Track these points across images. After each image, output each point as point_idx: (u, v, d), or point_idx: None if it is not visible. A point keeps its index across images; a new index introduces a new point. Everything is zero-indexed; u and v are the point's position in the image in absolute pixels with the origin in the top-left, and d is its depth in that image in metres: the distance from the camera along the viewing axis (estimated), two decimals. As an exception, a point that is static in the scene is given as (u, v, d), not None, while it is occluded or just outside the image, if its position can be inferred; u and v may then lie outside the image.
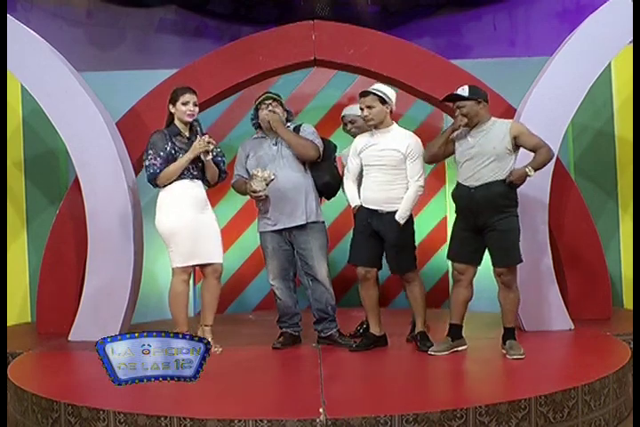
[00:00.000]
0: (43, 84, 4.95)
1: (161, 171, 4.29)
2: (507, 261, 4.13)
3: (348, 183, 4.46)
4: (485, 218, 4.09)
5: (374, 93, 4.31)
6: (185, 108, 4.34)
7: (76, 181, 5.08)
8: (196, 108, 4.40)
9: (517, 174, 4.06)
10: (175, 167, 4.29)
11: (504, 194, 4.09)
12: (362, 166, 4.40)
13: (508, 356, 4.07)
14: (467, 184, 4.14)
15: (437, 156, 4.29)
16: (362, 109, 4.34)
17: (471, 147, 4.14)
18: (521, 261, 4.19)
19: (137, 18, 10.30)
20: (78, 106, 4.94)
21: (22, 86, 5.29)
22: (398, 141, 4.31)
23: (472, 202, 4.11)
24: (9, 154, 5.90)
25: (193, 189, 4.38)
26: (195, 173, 4.38)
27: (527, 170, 4.03)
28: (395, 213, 4.26)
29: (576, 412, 3.43)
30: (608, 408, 3.62)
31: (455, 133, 4.20)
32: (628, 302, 5.88)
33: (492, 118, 4.20)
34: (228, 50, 5.41)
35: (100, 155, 4.91)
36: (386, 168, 4.30)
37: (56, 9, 9.44)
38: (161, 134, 4.36)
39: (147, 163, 4.31)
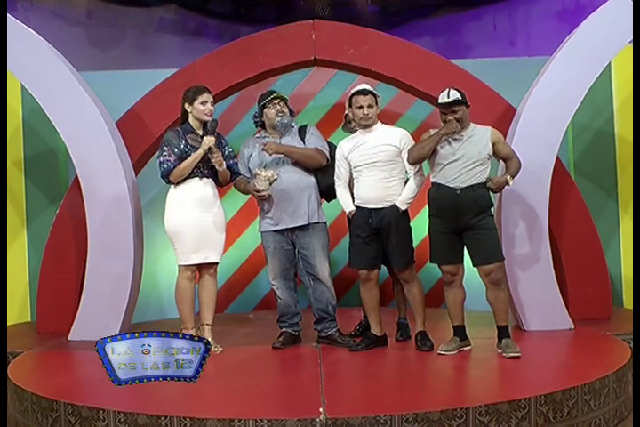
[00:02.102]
0: (43, 84, 4.95)
1: (175, 167, 4.31)
2: (494, 258, 4.18)
3: (340, 190, 4.47)
4: (468, 219, 4.14)
5: (372, 93, 4.35)
6: (204, 108, 4.38)
7: (76, 180, 5.08)
8: (213, 108, 4.44)
9: (498, 182, 4.17)
10: (187, 164, 4.32)
11: (485, 196, 4.19)
12: (350, 170, 4.41)
13: (504, 354, 4.07)
14: (452, 186, 4.16)
15: (424, 158, 4.27)
16: (360, 108, 4.34)
17: (455, 150, 4.17)
18: (504, 257, 4.28)
19: (137, 17, 10.31)
20: (78, 106, 4.94)
21: (22, 86, 5.30)
22: (389, 136, 4.33)
23: (458, 203, 4.13)
24: (9, 153, 5.91)
25: (201, 188, 4.39)
26: (205, 171, 4.40)
27: (508, 179, 4.16)
28: (392, 206, 4.28)
29: (576, 411, 3.44)
30: (608, 408, 3.62)
31: (446, 137, 4.20)
32: (627, 301, 5.89)
33: (472, 123, 4.24)
34: (227, 50, 5.41)
35: (100, 154, 4.91)
36: (381, 164, 4.30)
37: (56, 8, 9.45)
38: (175, 132, 4.39)
39: (161, 159, 4.34)
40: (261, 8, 11.00)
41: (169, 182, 4.39)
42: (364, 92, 4.34)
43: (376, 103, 4.36)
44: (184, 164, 4.32)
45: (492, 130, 4.27)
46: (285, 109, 4.56)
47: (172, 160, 4.32)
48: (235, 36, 8.26)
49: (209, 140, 4.30)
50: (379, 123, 4.43)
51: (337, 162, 4.47)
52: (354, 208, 4.40)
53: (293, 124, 4.64)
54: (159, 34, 10.54)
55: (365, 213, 4.34)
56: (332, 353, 4.34)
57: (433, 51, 5.50)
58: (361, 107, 4.33)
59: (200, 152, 4.31)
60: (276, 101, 4.54)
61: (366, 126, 4.38)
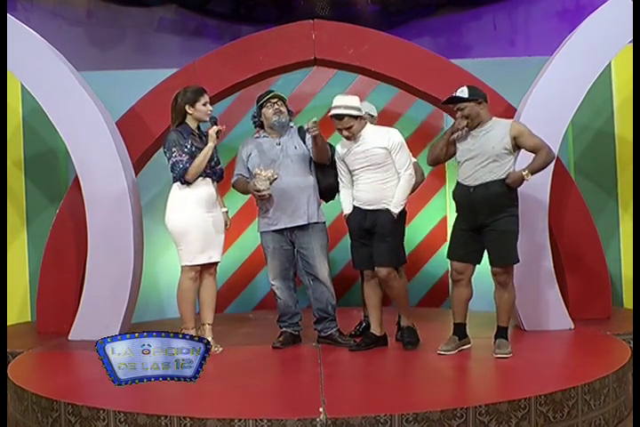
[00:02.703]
0: (43, 83, 4.95)
1: (190, 165, 4.29)
2: (503, 260, 4.14)
3: (342, 191, 4.46)
4: (484, 217, 4.10)
5: (348, 115, 4.23)
6: (206, 109, 4.38)
7: (76, 180, 5.08)
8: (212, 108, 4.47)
9: (513, 178, 4.07)
10: (201, 159, 4.30)
11: (503, 194, 4.09)
12: (349, 171, 4.40)
13: (494, 354, 4.08)
14: (466, 184, 4.15)
15: (439, 158, 4.30)
16: (340, 130, 4.30)
17: (471, 146, 4.15)
18: (517, 261, 4.20)
19: (137, 17, 10.32)
20: (78, 106, 4.94)
21: (22, 86, 5.30)
22: (378, 138, 4.30)
23: (471, 201, 4.12)
24: (9, 153, 5.90)
25: (205, 188, 4.39)
26: (207, 171, 4.40)
27: (524, 174, 4.04)
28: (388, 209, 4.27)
29: (576, 411, 3.44)
30: (608, 408, 3.62)
31: (456, 135, 4.20)
32: (627, 301, 5.88)
33: (494, 118, 4.20)
34: (227, 49, 5.41)
35: (100, 154, 4.91)
36: (374, 167, 4.29)
37: (56, 8, 9.45)
38: (178, 133, 4.35)
39: (173, 160, 4.30)
40: (261, 8, 11.00)
41: (185, 182, 4.33)
42: (337, 117, 4.24)
43: (357, 118, 4.26)
44: (198, 160, 4.29)
45: (513, 123, 4.18)
46: (283, 109, 4.55)
47: (184, 160, 4.29)
48: (235, 36, 8.25)
49: (215, 130, 4.32)
50: (367, 126, 4.38)
51: (337, 164, 4.46)
52: (349, 211, 4.39)
53: (292, 125, 4.65)
54: (159, 34, 10.54)
55: (361, 214, 4.33)
56: (331, 353, 4.34)
57: (433, 51, 5.49)
58: (340, 130, 4.30)
59: (211, 145, 4.31)
60: (274, 101, 4.54)
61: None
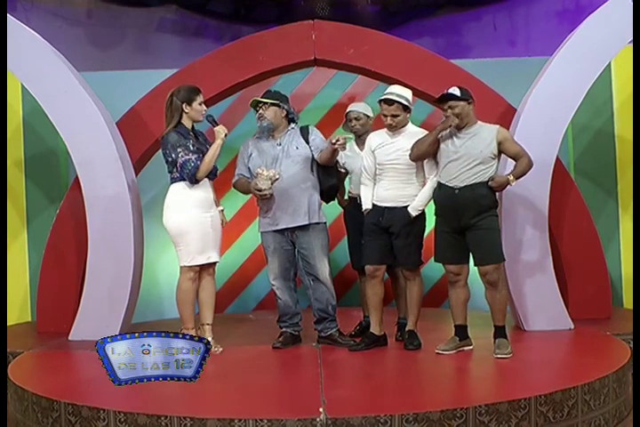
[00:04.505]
0: (43, 83, 4.95)
1: (201, 162, 4.28)
2: (492, 259, 4.16)
3: (365, 184, 4.44)
4: (468, 218, 4.12)
5: (399, 102, 4.27)
6: (201, 108, 4.38)
7: (77, 180, 5.09)
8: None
9: (499, 182, 4.12)
10: (210, 157, 4.29)
11: (487, 195, 4.14)
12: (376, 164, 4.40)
13: (494, 354, 4.08)
14: (451, 185, 4.16)
15: (425, 154, 4.27)
16: (385, 116, 4.30)
17: (457, 148, 4.16)
18: (504, 259, 4.24)
19: (137, 17, 10.31)
20: (78, 106, 4.94)
21: (22, 86, 5.30)
22: (414, 141, 4.29)
23: (456, 203, 4.13)
24: (9, 153, 5.90)
25: (204, 188, 4.39)
26: None
27: (510, 179, 4.12)
28: (406, 207, 4.28)
29: (576, 411, 3.44)
30: (608, 408, 3.62)
31: (445, 132, 4.21)
32: (627, 301, 5.89)
33: (479, 122, 4.22)
34: (227, 50, 5.42)
35: (100, 154, 4.91)
36: (400, 167, 4.30)
37: (56, 8, 9.44)
38: (177, 133, 4.33)
39: (183, 159, 4.26)
40: (261, 8, 10.99)
41: (195, 182, 4.31)
42: (387, 102, 4.28)
43: (404, 110, 4.29)
44: (208, 157, 4.28)
45: (499, 128, 4.22)
46: (267, 113, 4.51)
47: (193, 158, 4.26)
48: (235, 36, 8.26)
49: (223, 129, 4.33)
50: (409, 125, 4.39)
51: (365, 154, 4.45)
52: (369, 207, 4.39)
53: (294, 126, 4.63)
54: (159, 34, 10.54)
55: (379, 211, 4.34)
56: (332, 353, 4.34)
57: (433, 51, 5.49)
58: (385, 115, 4.31)
59: (219, 142, 4.30)
60: (260, 106, 4.53)
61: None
